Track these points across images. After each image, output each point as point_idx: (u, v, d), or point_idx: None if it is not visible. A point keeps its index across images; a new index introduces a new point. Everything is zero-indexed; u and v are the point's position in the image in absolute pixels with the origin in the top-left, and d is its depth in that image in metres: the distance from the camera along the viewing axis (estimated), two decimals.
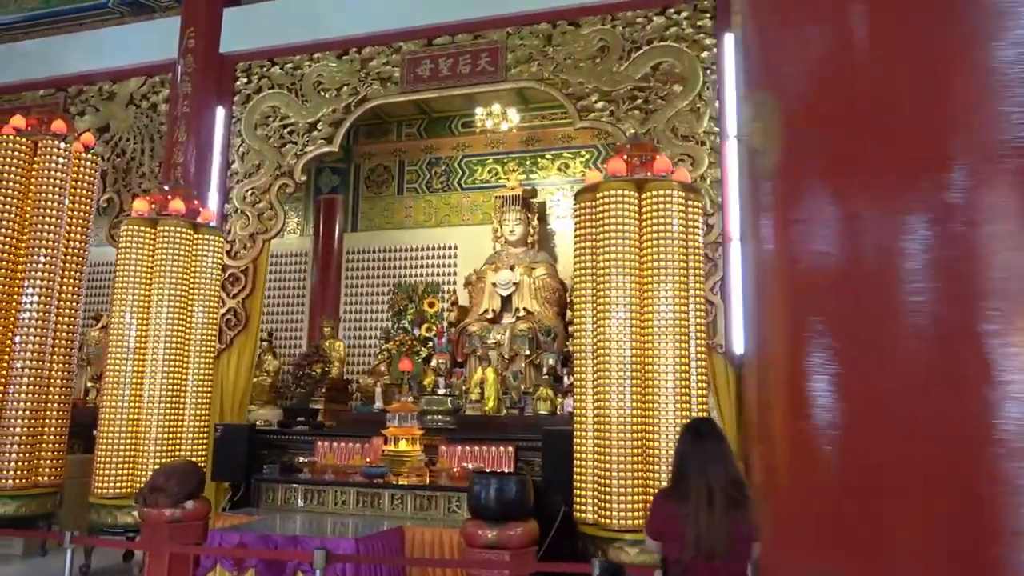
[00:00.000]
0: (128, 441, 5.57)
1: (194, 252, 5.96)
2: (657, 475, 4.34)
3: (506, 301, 8.19)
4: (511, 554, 3.89)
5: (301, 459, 5.52)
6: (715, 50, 6.14)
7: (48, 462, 6.12)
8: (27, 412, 5.90)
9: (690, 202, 4.71)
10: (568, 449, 4.92)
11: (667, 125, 6.15)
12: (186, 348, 5.82)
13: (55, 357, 6.15)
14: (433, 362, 7.85)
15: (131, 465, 5.58)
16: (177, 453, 5.65)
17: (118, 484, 5.53)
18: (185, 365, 5.80)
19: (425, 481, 5.31)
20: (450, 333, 7.92)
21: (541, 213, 8.86)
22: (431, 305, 8.33)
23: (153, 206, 5.97)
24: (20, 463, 5.90)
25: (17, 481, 5.91)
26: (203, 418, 5.89)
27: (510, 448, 5.42)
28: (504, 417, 6.60)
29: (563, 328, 7.90)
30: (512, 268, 8.27)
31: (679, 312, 4.47)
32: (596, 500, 4.45)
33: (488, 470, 5.00)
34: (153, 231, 5.89)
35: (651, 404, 4.43)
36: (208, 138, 7.29)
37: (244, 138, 7.33)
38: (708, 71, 6.14)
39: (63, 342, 6.24)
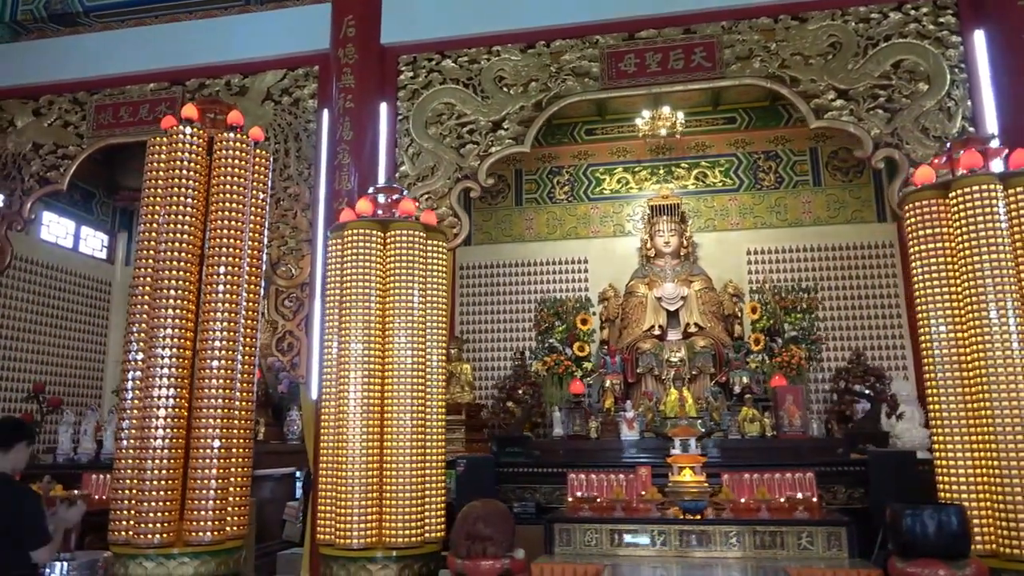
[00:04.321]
0: (374, 482, 4.74)
1: (427, 259, 5.21)
2: None
3: (670, 317, 7.67)
4: None
5: (578, 494, 4.80)
6: (962, 48, 5.86)
7: (235, 510, 5.20)
8: (219, 451, 4.99)
9: None
10: (906, 474, 4.43)
11: (915, 125, 5.81)
12: (426, 371, 5.04)
13: (242, 385, 5.26)
14: (607, 383, 7.25)
15: (377, 509, 4.74)
16: (428, 493, 4.86)
17: (366, 533, 4.68)
18: (427, 390, 5.01)
19: (717, 513, 4.70)
20: (623, 352, 7.33)
21: None
22: (584, 322, 7.71)
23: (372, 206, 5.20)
24: (216, 512, 4.97)
25: (214, 534, 4.97)
26: (439, 450, 5.10)
27: (809, 474, 4.87)
28: (764, 440, 6.03)
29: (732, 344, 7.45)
30: (674, 281, 7.77)
31: None
32: (999, 529, 3.95)
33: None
34: (383, 235, 5.12)
35: None
36: (374, 137, 6.54)
37: (414, 137, 6.61)
38: (956, 69, 5.84)
39: (246, 368, 5.35)
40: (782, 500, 4.56)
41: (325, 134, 6.69)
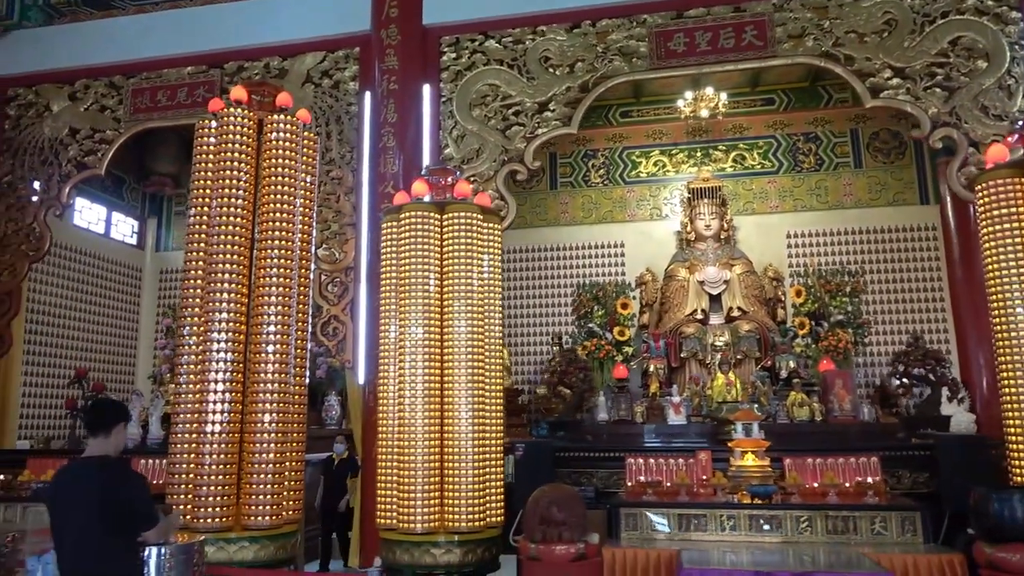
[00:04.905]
0: (436, 466, 4.70)
1: (483, 242, 5.14)
2: None
3: (712, 301, 7.60)
4: None
5: (639, 479, 4.75)
6: (1021, 24, 5.74)
7: (291, 494, 5.17)
8: (275, 436, 4.96)
9: None
10: (975, 458, 4.37)
11: (974, 103, 5.70)
12: (485, 355, 4.99)
13: (296, 369, 5.22)
14: (651, 367, 7.19)
15: (439, 494, 4.71)
16: (489, 477, 4.82)
17: (429, 518, 4.65)
18: (486, 374, 4.96)
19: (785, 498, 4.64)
20: (667, 336, 7.26)
21: None
22: (624, 306, 7.64)
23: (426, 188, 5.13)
24: (274, 496, 4.94)
25: (272, 518, 4.94)
26: (498, 434, 5.06)
27: (874, 458, 4.81)
28: (814, 425, 5.98)
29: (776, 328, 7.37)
30: (715, 265, 7.69)
31: None
32: None
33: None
34: (439, 217, 5.05)
35: None
36: (418, 120, 6.46)
37: (458, 119, 6.53)
38: (1016, 46, 5.72)
39: (300, 352, 5.30)
40: (848, 485, 4.51)
41: (368, 116, 6.62)
